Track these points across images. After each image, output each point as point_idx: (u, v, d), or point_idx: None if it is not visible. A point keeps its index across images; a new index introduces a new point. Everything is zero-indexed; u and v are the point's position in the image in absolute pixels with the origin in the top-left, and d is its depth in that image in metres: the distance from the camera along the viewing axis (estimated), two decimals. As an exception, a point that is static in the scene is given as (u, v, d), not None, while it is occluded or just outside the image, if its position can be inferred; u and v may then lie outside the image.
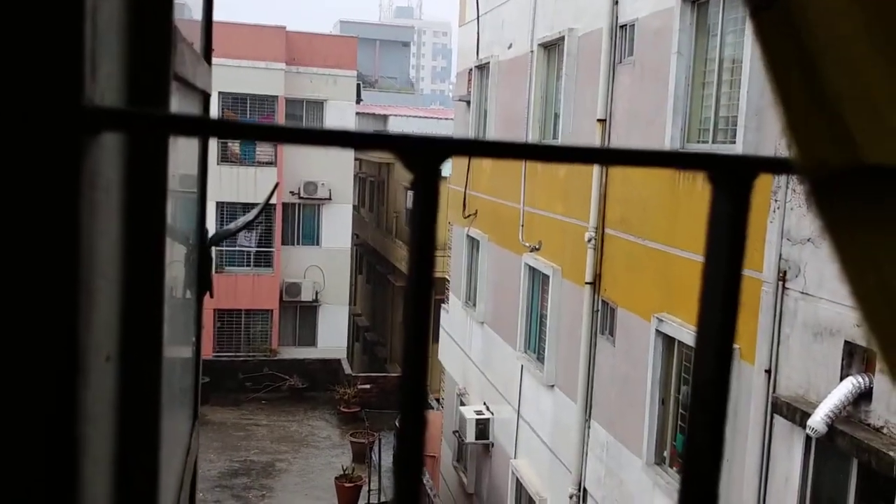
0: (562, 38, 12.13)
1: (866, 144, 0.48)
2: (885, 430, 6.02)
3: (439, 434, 18.80)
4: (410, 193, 0.52)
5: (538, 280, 13.17)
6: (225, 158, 26.52)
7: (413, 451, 0.51)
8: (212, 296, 2.19)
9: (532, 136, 13.23)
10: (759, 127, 7.56)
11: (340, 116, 27.74)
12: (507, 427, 14.33)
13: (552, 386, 12.37)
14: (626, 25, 10.34)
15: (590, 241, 10.87)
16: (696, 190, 8.49)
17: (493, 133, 15.44)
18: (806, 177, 0.52)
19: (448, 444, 17.89)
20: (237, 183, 26.25)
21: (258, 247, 27.49)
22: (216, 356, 25.82)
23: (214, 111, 25.85)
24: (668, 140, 9.08)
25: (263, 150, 26.68)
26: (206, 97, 2.01)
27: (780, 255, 7.13)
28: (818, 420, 6.19)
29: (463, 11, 18.10)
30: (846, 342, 6.37)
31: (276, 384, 24.81)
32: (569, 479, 11.46)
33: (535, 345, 13.32)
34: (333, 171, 27.66)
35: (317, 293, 27.94)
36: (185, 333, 1.85)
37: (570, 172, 11.67)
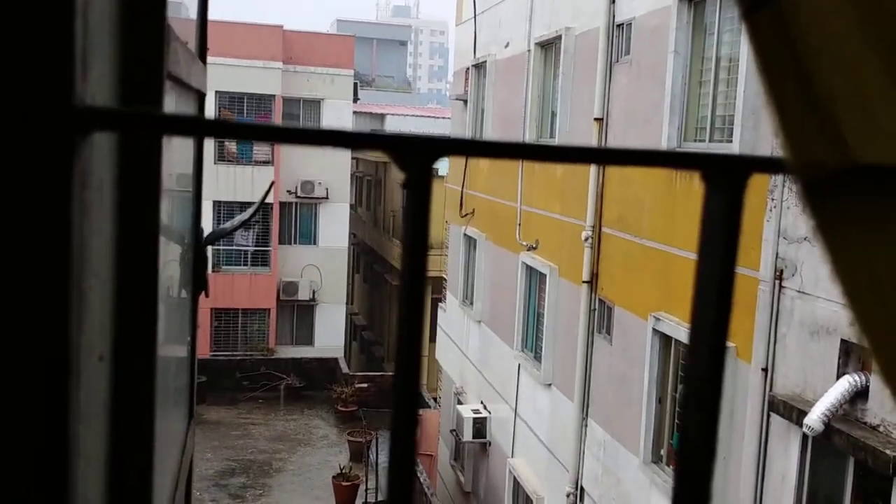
0: (559, 37, 12.14)
1: (858, 144, 0.48)
2: (881, 429, 6.03)
3: (436, 433, 18.81)
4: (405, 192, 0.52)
5: (535, 279, 13.18)
6: (222, 157, 26.50)
7: (406, 450, 0.51)
8: (207, 295, 2.19)
9: (529, 135, 13.23)
10: (755, 126, 7.56)
11: (337, 115, 27.73)
12: (504, 426, 14.34)
13: (549, 385, 12.38)
14: (622, 24, 10.34)
15: (587, 240, 10.87)
16: (693, 189, 8.50)
17: (491, 132, 15.44)
18: (799, 177, 0.52)
19: (445, 443, 17.90)
20: (234, 182, 26.24)
21: (255, 246, 27.49)
22: (213, 355, 25.81)
23: (211, 110, 25.83)
24: (664, 139, 9.08)
25: (260, 149, 26.68)
26: (201, 96, 2.01)
27: (777, 253, 7.14)
28: (815, 418, 6.20)
29: (460, 10, 18.09)
30: (842, 341, 6.38)
31: (274, 383, 24.80)
32: (566, 477, 11.47)
33: (533, 344, 13.33)
34: (330, 170, 27.66)
35: (314, 292, 27.93)
36: (180, 333, 1.85)
37: (567, 171, 11.68)
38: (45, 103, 0.53)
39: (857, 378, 6.16)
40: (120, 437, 0.90)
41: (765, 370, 7.24)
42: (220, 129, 0.54)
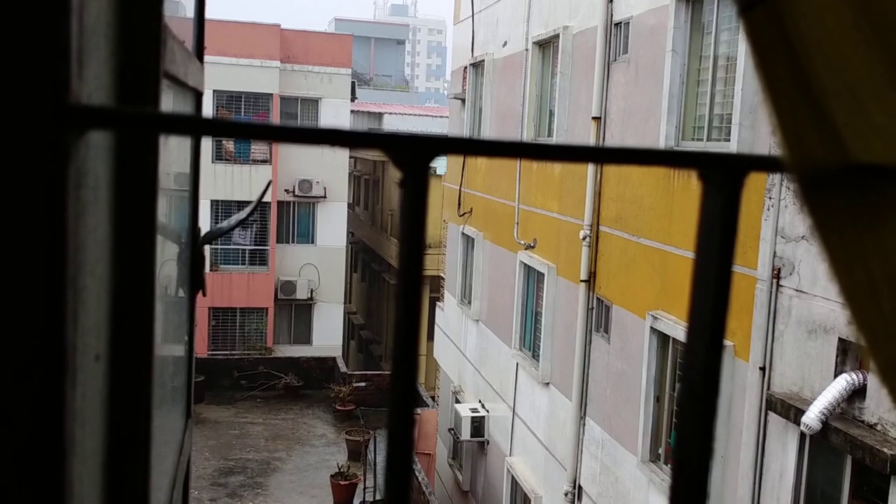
0: (556, 36, 12.14)
1: (853, 143, 0.49)
2: (878, 427, 6.04)
3: (434, 432, 18.82)
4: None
5: (533, 278, 13.18)
6: (220, 156, 26.50)
7: (403, 449, 0.51)
8: (204, 294, 2.19)
9: (527, 134, 13.23)
10: (753, 125, 7.57)
11: (335, 114, 27.73)
12: (502, 424, 14.35)
13: (547, 383, 12.38)
14: (620, 23, 10.35)
15: (585, 238, 10.88)
16: (691, 188, 8.51)
17: (489, 131, 15.44)
18: (795, 175, 0.52)
19: (443, 442, 17.91)
20: (232, 181, 26.24)
21: (253, 245, 27.49)
22: (211, 354, 25.81)
23: (209, 109, 25.82)
24: (662, 138, 9.09)
25: (258, 148, 26.67)
26: (198, 95, 2.00)
27: (775, 252, 7.15)
28: (812, 417, 6.21)
29: (458, 9, 18.09)
30: (840, 339, 6.39)
31: (272, 382, 24.80)
32: (564, 476, 11.47)
33: (531, 342, 13.34)
34: (328, 169, 27.66)
35: (312, 291, 27.93)
36: (177, 332, 1.85)
37: (565, 170, 11.69)
38: (41, 102, 0.52)
39: (854, 376, 6.17)
40: (117, 437, 0.89)
41: (762, 369, 7.25)
42: (216, 127, 0.54)
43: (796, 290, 6.92)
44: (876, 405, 6.07)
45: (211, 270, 25.85)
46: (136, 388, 0.92)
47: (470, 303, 16.28)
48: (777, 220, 7.11)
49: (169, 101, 1.38)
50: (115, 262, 0.84)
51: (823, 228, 0.53)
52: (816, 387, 6.53)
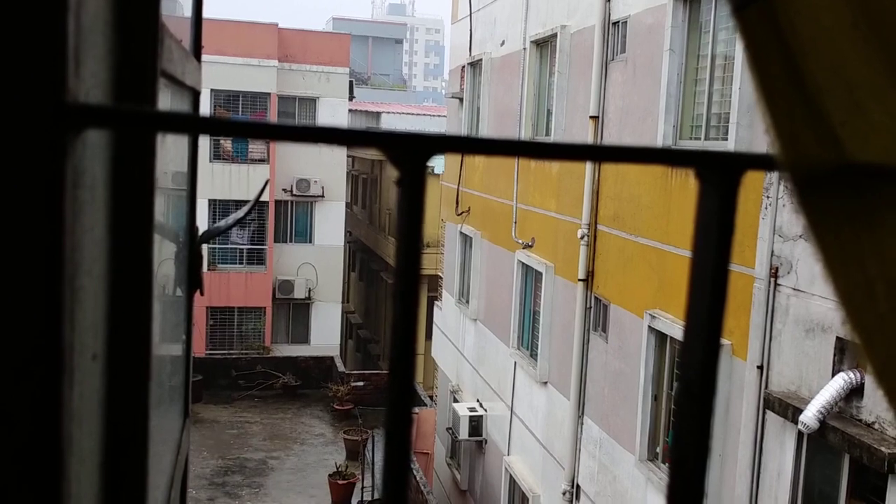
0: (554, 36, 12.14)
1: (850, 141, 0.48)
2: (876, 426, 6.05)
3: (433, 431, 18.81)
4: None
5: (531, 277, 13.19)
6: (217, 156, 26.48)
7: (401, 449, 0.51)
8: (202, 294, 2.19)
9: (525, 133, 13.23)
10: (751, 124, 7.57)
11: (333, 113, 27.71)
12: (500, 424, 14.35)
13: (545, 382, 12.39)
14: (618, 22, 10.35)
15: (583, 237, 10.88)
16: (689, 187, 8.51)
17: (487, 130, 15.44)
18: (790, 174, 0.52)
19: (441, 441, 17.91)
20: (229, 180, 26.23)
21: (251, 244, 27.48)
22: (209, 354, 25.79)
23: (207, 108, 25.80)
24: (660, 137, 9.09)
25: (256, 147, 26.66)
26: (195, 94, 2.00)
27: (772, 251, 7.15)
28: (810, 416, 6.21)
29: (455, 9, 18.09)
30: (838, 338, 6.39)
31: (269, 382, 24.78)
32: (562, 475, 11.48)
33: (529, 341, 13.34)
34: (326, 168, 27.65)
35: (309, 290, 27.92)
36: (175, 331, 1.85)
37: (562, 169, 11.69)
38: (38, 101, 0.52)
39: (852, 375, 6.18)
40: (114, 437, 0.89)
41: (760, 368, 7.26)
42: (213, 126, 0.54)
43: (794, 289, 6.92)
44: (873, 404, 6.07)
45: (209, 270, 25.84)
46: (133, 387, 0.92)
47: (468, 302, 16.28)
48: (775, 219, 7.12)
49: (166, 100, 1.38)
50: (112, 261, 0.84)
51: (819, 228, 0.53)
52: (814, 386, 6.53)
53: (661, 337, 9.19)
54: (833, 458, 6.51)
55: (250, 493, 18.65)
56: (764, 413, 7.19)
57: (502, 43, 14.64)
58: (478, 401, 15.51)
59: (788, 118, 0.52)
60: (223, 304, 26.68)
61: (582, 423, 11.12)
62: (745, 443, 7.44)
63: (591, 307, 10.91)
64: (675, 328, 8.70)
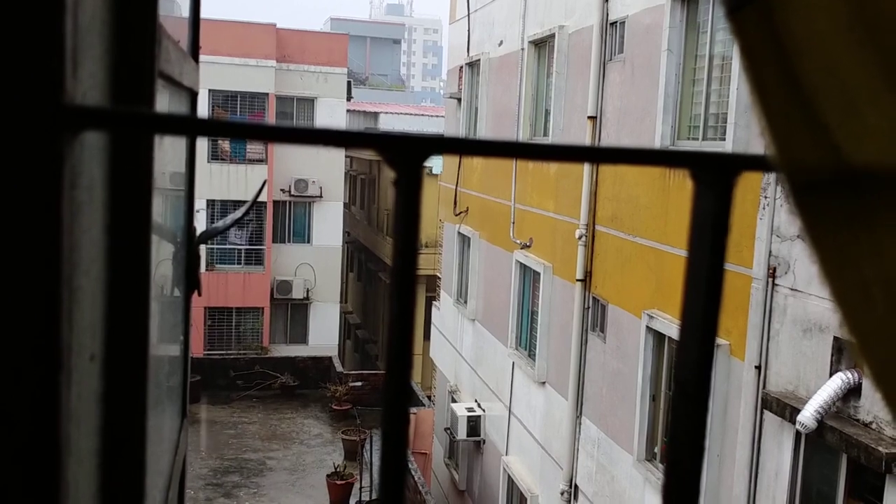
0: (552, 36, 12.14)
1: (845, 143, 0.49)
2: (873, 426, 6.05)
3: (431, 431, 18.82)
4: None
5: (529, 277, 13.19)
6: (215, 156, 26.48)
7: (397, 449, 0.51)
8: (199, 294, 2.19)
9: (523, 134, 13.24)
10: (748, 124, 7.58)
11: (331, 114, 27.72)
12: (498, 424, 14.35)
13: (543, 383, 12.39)
14: (616, 22, 10.35)
15: (581, 238, 10.89)
16: (687, 187, 8.51)
17: (484, 130, 15.45)
18: (786, 176, 0.52)
19: (440, 442, 17.91)
20: (227, 181, 26.23)
21: (249, 245, 27.47)
22: (207, 354, 25.79)
23: (205, 109, 25.80)
24: (658, 137, 9.10)
25: (254, 147, 26.66)
26: (193, 95, 2.00)
27: (770, 251, 7.16)
28: (808, 416, 6.22)
29: (453, 9, 18.09)
30: (835, 338, 6.40)
31: (267, 382, 24.78)
32: (560, 475, 11.48)
33: (527, 342, 13.34)
34: (324, 168, 27.65)
35: (308, 291, 27.92)
36: (172, 332, 1.85)
37: (561, 170, 11.69)
38: (35, 102, 0.53)
39: (849, 375, 6.18)
40: (112, 437, 0.89)
41: (758, 368, 7.26)
42: (210, 128, 0.54)
43: (791, 289, 6.93)
44: (871, 404, 6.08)
45: (206, 270, 25.83)
46: (131, 388, 0.92)
47: (466, 302, 16.29)
48: (772, 219, 7.13)
49: (164, 101, 1.38)
50: (110, 262, 0.84)
51: (815, 230, 0.53)
52: (812, 385, 6.54)
53: (659, 337, 9.20)
54: (831, 458, 6.52)
55: (248, 493, 18.65)
56: (762, 413, 7.20)
57: (500, 43, 14.65)
58: (476, 401, 15.51)
59: (783, 120, 0.52)
60: (221, 304, 26.68)
61: (580, 423, 11.12)
62: (743, 443, 7.44)
63: (589, 307, 10.92)
64: (673, 328, 8.71)
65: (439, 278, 18.81)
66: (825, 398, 6.17)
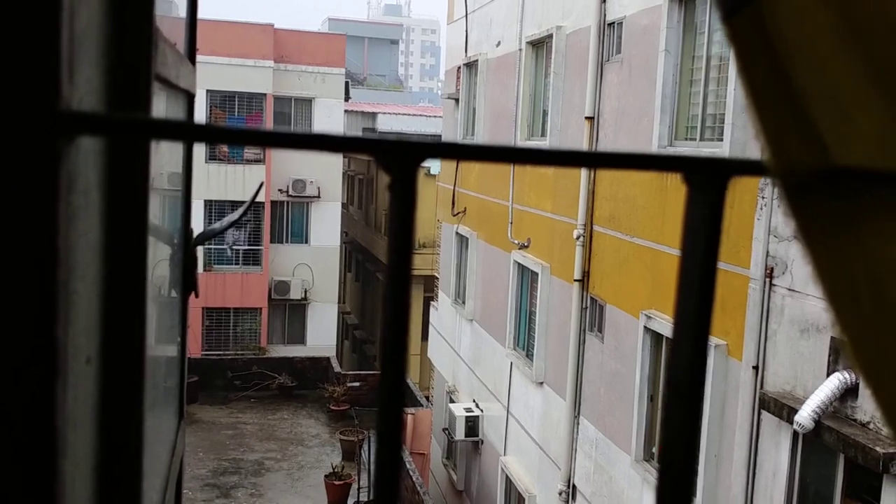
0: (550, 36, 12.15)
1: (836, 147, 0.49)
2: (871, 426, 6.06)
3: (429, 432, 18.82)
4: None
5: (527, 277, 13.20)
6: (213, 157, 26.47)
7: (393, 449, 0.51)
8: (196, 296, 2.19)
9: (520, 134, 13.25)
10: (746, 125, 7.59)
11: (329, 114, 27.70)
12: (496, 424, 14.35)
13: (541, 383, 12.40)
14: (613, 23, 10.36)
15: (578, 238, 10.89)
16: (684, 187, 8.51)
17: (482, 131, 15.46)
18: (779, 179, 0.53)
19: (438, 442, 17.91)
20: (225, 181, 26.21)
21: (247, 245, 27.45)
22: (205, 355, 25.76)
23: (202, 109, 25.79)
24: (655, 138, 9.11)
25: (252, 148, 26.62)
26: (190, 97, 2.01)
27: (767, 251, 7.17)
28: (805, 416, 6.23)
29: (451, 9, 18.10)
30: (832, 338, 6.41)
31: (265, 382, 24.76)
32: (558, 475, 11.49)
33: (525, 342, 13.35)
34: (322, 168, 27.64)
35: (306, 291, 27.91)
36: (170, 333, 1.85)
37: (558, 170, 11.70)
38: (31, 108, 0.53)
39: (847, 375, 6.19)
40: (109, 439, 0.90)
41: (755, 368, 7.27)
42: (206, 133, 0.54)
43: (789, 290, 6.94)
44: (868, 404, 6.09)
45: (204, 270, 25.82)
46: (127, 390, 0.92)
47: (464, 302, 16.29)
48: (770, 220, 7.14)
49: (161, 104, 1.38)
50: (106, 265, 0.84)
51: (808, 232, 0.53)
52: (809, 385, 6.55)
53: (656, 337, 9.21)
54: (828, 458, 6.52)
55: (246, 493, 18.64)
56: (759, 413, 7.21)
57: (498, 44, 14.65)
58: (474, 401, 15.51)
59: (775, 122, 0.52)
60: (219, 304, 26.66)
61: (578, 424, 11.13)
62: (741, 443, 7.45)
63: (586, 307, 10.92)
64: (670, 329, 8.71)
65: (437, 279, 18.81)
66: (822, 398, 6.18)
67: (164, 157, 1.57)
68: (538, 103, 13.02)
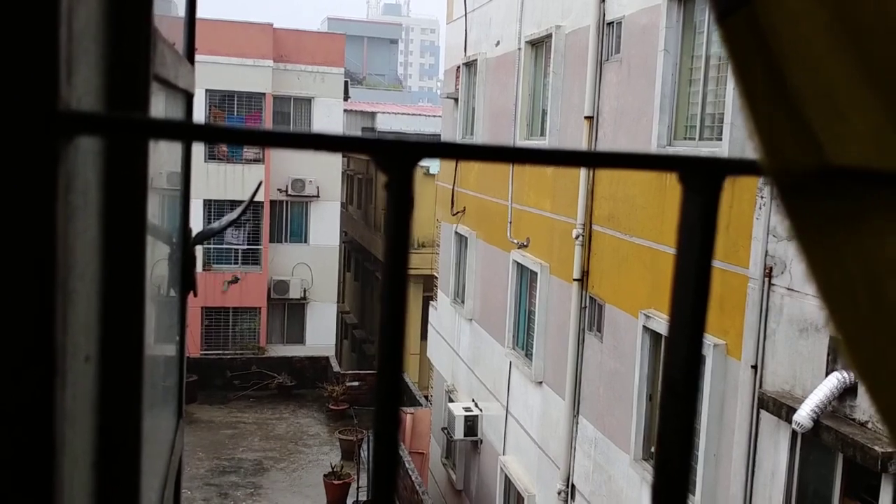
0: (549, 36, 12.15)
1: (830, 146, 0.49)
2: (869, 425, 6.07)
3: (428, 431, 18.82)
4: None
5: (526, 277, 13.20)
6: (212, 156, 26.46)
7: (389, 448, 0.51)
8: (195, 295, 2.19)
9: (520, 134, 13.25)
10: (745, 124, 7.59)
11: (328, 114, 27.69)
12: (495, 423, 14.36)
13: (540, 382, 12.40)
14: (613, 23, 10.36)
15: (577, 237, 10.89)
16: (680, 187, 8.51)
17: (481, 130, 15.45)
18: (774, 179, 0.53)
19: (437, 441, 17.91)
20: (224, 180, 26.20)
21: (246, 245, 27.45)
22: (204, 354, 25.75)
23: (201, 108, 25.78)
24: (654, 137, 9.11)
25: (251, 147, 26.61)
26: (188, 97, 2.01)
27: (766, 251, 7.17)
28: (804, 415, 6.23)
29: (450, 9, 18.09)
30: (831, 338, 6.41)
31: (265, 382, 24.75)
32: (557, 474, 11.49)
33: (524, 341, 13.35)
34: (321, 168, 27.63)
35: (305, 291, 27.90)
36: (168, 332, 1.85)
37: (558, 169, 11.69)
38: (30, 109, 0.53)
39: (845, 375, 6.19)
40: (107, 438, 0.90)
41: (754, 367, 7.28)
42: (204, 133, 0.54)
43: (788, 289, 6.94)
44: (867, 403, 6.09)
45: (203, 270, 25.81)
46: (126, 389, 0.93)
47: (463, 302, 16.29)
48: (769, 219, 7.14)
49: (159, 104, 1.39)
50: (105, 264, 0.84)
51: (802, 231, 0.54)
52: (808, 385, 6.55)
53: (655, 337, 9.21)
54: (827, 458, 6.53)
55: (245, 493, 18.64)
56: (758, 412, 7.21)
57: (497, 43, 14.65)
58: (473, 401, 15.51)
59: (770, 122, 0.53)
60: (218, 304, 26.65)
61: (577, 423, 11.13)
62: (740, 442, 7.46)
63: (586, 307, 10.92)
64: (669, 328, 8.71)
65: (436, 278, 18.81)
66: (821, 397, 6.18)
67: (163, 156, 1.57)
68: (537, 103, 13.02)
